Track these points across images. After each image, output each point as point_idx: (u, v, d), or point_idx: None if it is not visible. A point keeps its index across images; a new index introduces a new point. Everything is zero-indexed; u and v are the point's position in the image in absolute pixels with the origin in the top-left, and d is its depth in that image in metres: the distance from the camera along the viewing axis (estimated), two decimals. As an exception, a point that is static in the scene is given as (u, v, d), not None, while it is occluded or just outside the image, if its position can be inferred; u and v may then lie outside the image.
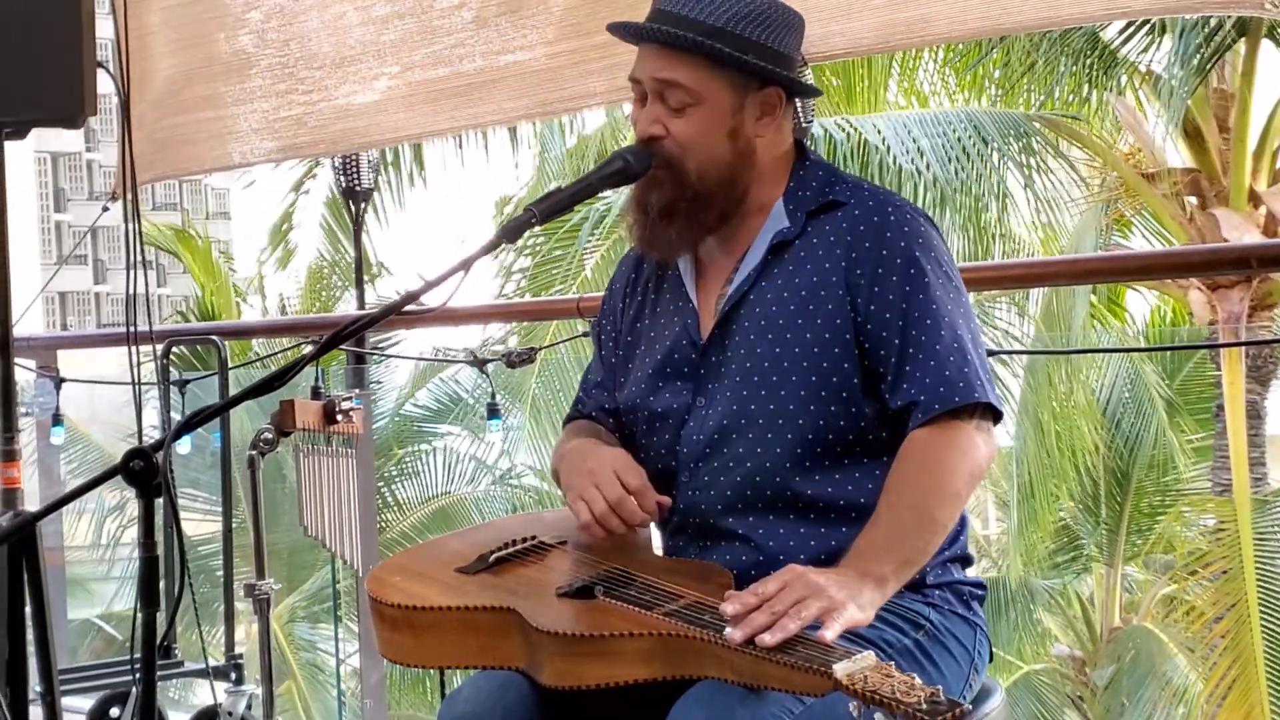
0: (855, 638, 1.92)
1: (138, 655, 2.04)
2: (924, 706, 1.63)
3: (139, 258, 3.48)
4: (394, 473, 13.32)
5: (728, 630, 1.85)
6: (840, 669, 1.72)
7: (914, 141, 10.14)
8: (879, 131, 10.14)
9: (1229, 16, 8.67)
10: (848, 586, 1.94)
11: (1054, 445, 10.62)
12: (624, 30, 2.32)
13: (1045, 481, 10.75)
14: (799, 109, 3.07)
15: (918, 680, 1.67)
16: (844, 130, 10.17)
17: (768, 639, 1.82)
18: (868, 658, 1.74)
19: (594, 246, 11.20)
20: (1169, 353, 11.38)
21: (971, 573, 2.32)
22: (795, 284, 2.24)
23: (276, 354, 6.01)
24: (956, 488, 2.11)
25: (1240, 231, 10.14)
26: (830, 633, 1.84)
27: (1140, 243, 11.36)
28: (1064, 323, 10.39)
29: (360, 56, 3.99)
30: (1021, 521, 10.94)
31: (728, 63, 2.23)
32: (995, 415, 2.18)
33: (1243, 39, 9.82)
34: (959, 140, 10.20)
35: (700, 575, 2.12)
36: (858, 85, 11.56)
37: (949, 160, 10.15)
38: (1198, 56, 9.29)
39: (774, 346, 2.23)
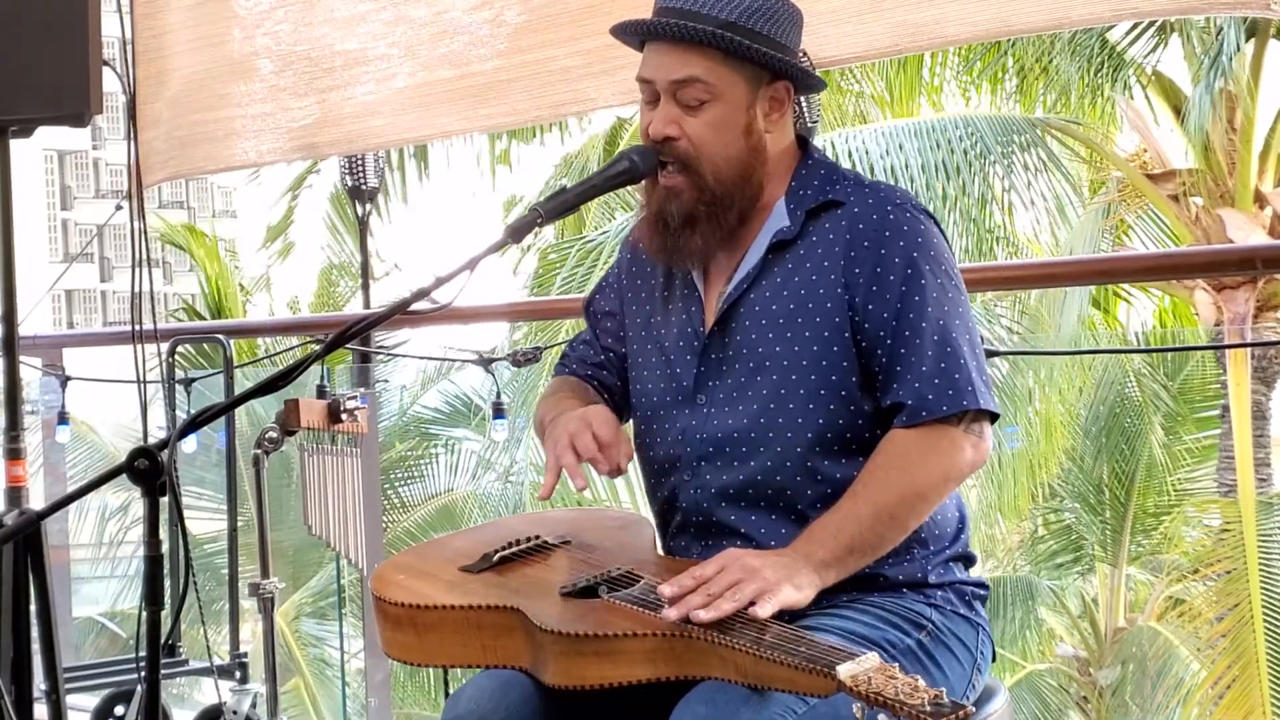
0: (857, 638, 1.92)
1: (142, 653, 2.04)
2: (928, 708, 1.63)
3: (145, 256, 3.49)
4: (399, 472, 13.32)
5: (664, 610, 1.92)
6: (844, 670, 1.72)
7: (916, 146, 10.14)
8: (873, 142, 10.15)
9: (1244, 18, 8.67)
10: (785, 568, 1.98)
11: (1040, 447, 10.63)
12: (633, 29, 2.30)
13: (1034, 480, 10.78)
14: (805, 108, 3.08)
15: (921, 682, 1.67)
16: (845, 144, 10.19)
17: (703, 615, 1.88)
18: (871, 659, 1.74)
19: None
20: (1172, 354, 11.37)
21: (974, 572, 2.33)
22: (795, 283, 2.24)
23: (282, 352, 6.02)
24: (923, 489, 2.11)
25: (1245, 232, 10.14)
26: (763, 610, 1.89)
27: (1140, 246, 11.35)
28: (1053, 324, 10.38)
29: (376, 57, 3.99)
30: (995, 516, 10.99)
31: (743, 55, 2.22)
32: (991, 416, 2.18)
33: (1250, 40, 9.82)
34: (962, 143, 10.20)
35: (703, 575, 2.13)
36: (863, 96, 11.60)
37: (953, 162, 10.15)
38: (1220, 59, 9.30)
39: (774, 346, 2.23)
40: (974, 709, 1.88)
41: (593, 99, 3.69)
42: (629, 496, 10.05)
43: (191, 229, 15.69)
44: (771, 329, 2.24)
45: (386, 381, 12.55)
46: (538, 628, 2.00)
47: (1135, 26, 9.87)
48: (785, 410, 2.21)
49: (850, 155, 10.01)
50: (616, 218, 12.15)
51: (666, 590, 1.94)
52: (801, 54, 2.33)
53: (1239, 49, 9.61)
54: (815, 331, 2.21)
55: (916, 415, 2.13)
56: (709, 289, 2.34)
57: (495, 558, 2.26)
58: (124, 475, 1.98)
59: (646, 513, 2.45)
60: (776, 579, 1.95)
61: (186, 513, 2.38)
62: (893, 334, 2.17)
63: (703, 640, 1.88)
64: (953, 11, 3.11)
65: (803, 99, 2.84)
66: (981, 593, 2.31)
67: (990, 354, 2.28)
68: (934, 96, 11.76)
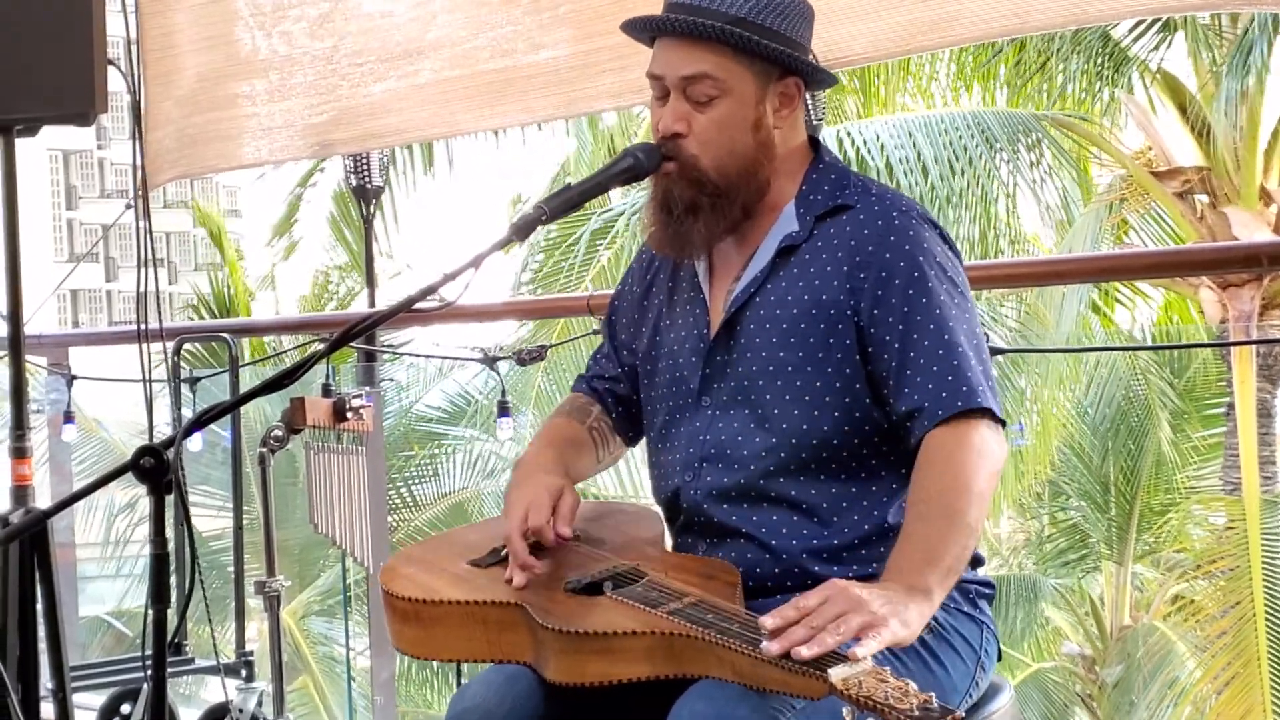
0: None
1: (149, 652, 2.04)
2: (916, 713, 1.63)
3: (150, 256, 3.49)
4: (406, 472, 13.33)
5: (765, 644, 1.81)
6: (835, 673, 1.72)
7: (917, 142, 10.13)
8: (878, 138, 10.14)
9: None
10: (892, 602, 1.89)
11: (1035, 446, 10.64)
12: (643, 25, 2.29)
13: (1026, 479, 10.80)
14: (810, 107, 3.07)
15: (912, 686, 1.68)
16: (849, 138, 10.19)
17: (804, 652, 1.78)
18: (864, 662, 1.75)
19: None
20: (1177, 352, 11.35)
21: (980, 572, 2.32)
22: (800, 288, 2.24)
23: (288, 350, 6.02)
24: (980, 488, 2.08)
25: (1250, 230, 10.13)
26: (863, 650, 1.78)
27: (1142, 244, 11.32)
28: (1051, 321, 10.38)
29: (391, 55, 3.97)
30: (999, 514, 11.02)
31: (753, 51, 2.22)
32: (1000, 421, 2.17)
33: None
34: (966, 141, 10.19)
35: (707, 573, 2.14)
36: (868, 89, 11.59)
37: (957, 160, 10.14)
38: (1250, 59, 9.30)
39: (779, 351, 2.23)
40: (964, 714, 1.87)
41: (607, 96, 3.68)
42: (634, 495, 10.07)
43: (213, 218, 15.77)
44: (776, 334, 2.24)
45: (391, 379, 12.57)
46: (539, 624, 2.01)
47: (1139, 23, 9.86)
48: (789, 415, 2.21)
49: (864, 149, 10.01)
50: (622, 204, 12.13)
51: (769, 622, 1.83)
52: (810, 53, 2.34)
53: (1260, 48, 9.58)
54: (820, 337, 2.21)
55: (934, 416, 2.12)
56: (714, 290, 2.35)
57: (503, 552, 2.26)
58: (130, 474, 1.99)
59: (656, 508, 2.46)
60: (883, 614, 1.85)
61: (192, 511, 2.38)
62: (900, 339, 2.16)
63: (701, 640, 1.88)
64: (968, 8, 3.07)
65: (808, 96, 2.85)
66: (987, 591, 2.30)
67: (995, 351, 2.28)
68: (927, 95, 11.75)
